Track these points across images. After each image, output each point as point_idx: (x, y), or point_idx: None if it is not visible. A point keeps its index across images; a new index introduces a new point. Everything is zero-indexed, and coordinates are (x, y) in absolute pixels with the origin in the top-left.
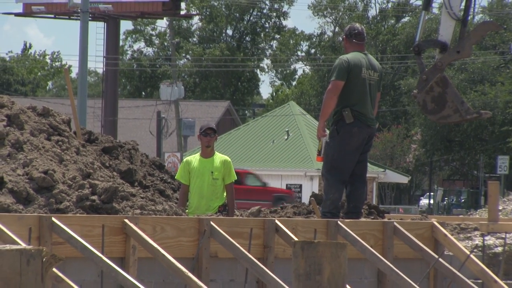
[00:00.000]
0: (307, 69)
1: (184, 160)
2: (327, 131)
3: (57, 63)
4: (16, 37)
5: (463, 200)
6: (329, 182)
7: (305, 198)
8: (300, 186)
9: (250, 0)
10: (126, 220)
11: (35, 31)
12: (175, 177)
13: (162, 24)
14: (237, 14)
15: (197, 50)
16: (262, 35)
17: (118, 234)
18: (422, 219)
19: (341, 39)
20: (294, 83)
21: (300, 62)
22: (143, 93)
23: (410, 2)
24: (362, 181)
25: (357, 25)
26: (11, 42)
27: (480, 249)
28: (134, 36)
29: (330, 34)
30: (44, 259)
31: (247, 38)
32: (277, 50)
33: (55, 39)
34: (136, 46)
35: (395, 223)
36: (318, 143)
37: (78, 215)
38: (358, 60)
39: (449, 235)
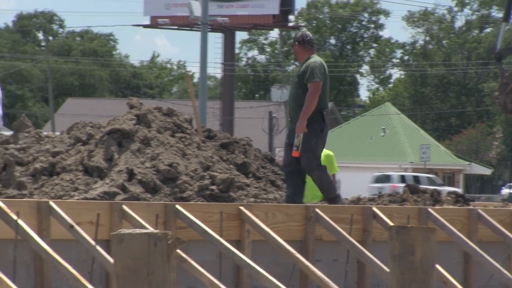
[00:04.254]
0: (401, 74)
1: None
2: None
3: (181, 70)
4: (146, 46)
5: None
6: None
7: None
8: None
9: (351, 13)
10: (242, 207)
11: (163, 41)
12: None
13: (273, 34)
14: (340, 26)
15: None
16: (361, 44)
17: (235, 219)
18: (503, 207)
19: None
20: (389, 85)
21: (395, 68)
22: (257, 95)
23: (492, 14)
24: None
25: (308, 32)
26: (142, 51)
27: None
28: (248, 45)
29: (422, 42)
30: (169, 242)
31: (348, 46)
32: (374, 57)
33: (180, 48)
34: (250, 54)
35: (479, 210)
36: (297, 139)
37: (199, 203)
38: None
39: None
